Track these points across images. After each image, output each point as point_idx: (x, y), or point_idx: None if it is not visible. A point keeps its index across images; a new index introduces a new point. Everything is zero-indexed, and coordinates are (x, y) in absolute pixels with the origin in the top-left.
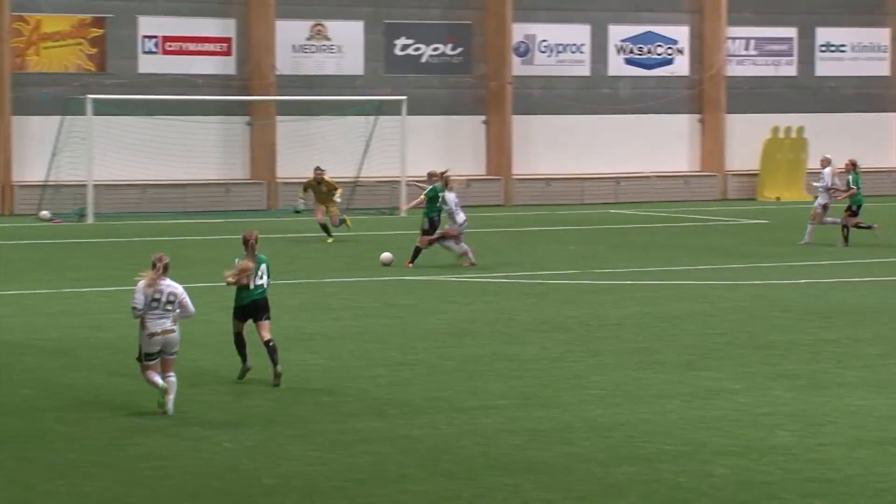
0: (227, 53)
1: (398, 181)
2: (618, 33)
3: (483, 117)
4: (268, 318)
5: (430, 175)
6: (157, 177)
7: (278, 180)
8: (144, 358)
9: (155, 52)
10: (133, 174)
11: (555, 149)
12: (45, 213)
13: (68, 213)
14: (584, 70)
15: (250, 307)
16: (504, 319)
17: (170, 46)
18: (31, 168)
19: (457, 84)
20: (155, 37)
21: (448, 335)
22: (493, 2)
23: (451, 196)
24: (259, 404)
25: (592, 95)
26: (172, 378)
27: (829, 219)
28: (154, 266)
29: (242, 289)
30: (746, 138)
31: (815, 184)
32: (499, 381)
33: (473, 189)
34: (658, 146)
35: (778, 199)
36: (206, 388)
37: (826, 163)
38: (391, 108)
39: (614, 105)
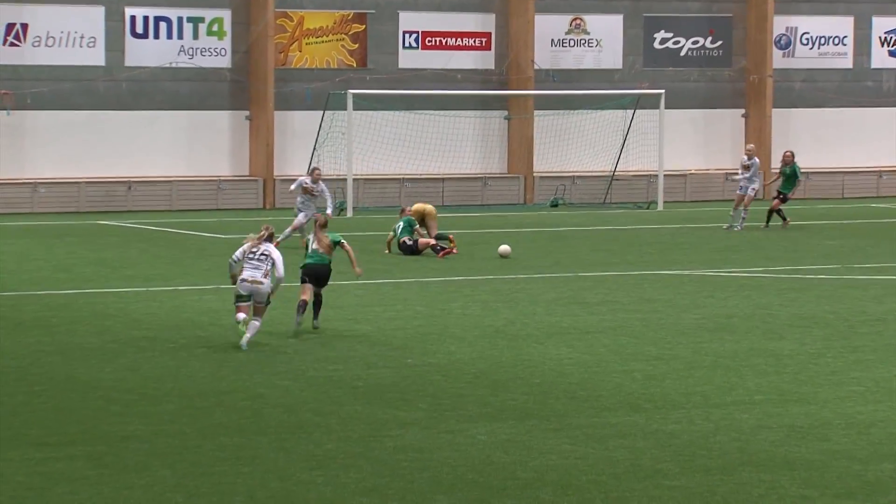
0: (487, 48)
1: (655, 175)
2: (882, 25)
3: (742, 111)
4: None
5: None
6: (416, 171)
7: (535, 174)
8: (236, 300)
9: (415, 48)
10: (392, 168)
11: (815, 142)
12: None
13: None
14: (847, 62)
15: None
16: (762, 314)
17: (430, 41)
18: (292, 162)
19: (716, 77)
20: (415, 32)
21: (705, 330)
22: None
23: None
24: (514, 398)
25: (855, 88)
26: (257, 323)
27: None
28: (260, 232)
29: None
30: None
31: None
32: (756, 377)
33: (731, 183)
34: None
35: None
36: (462, 381)
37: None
38: (649, 102)
39: (877, 98)
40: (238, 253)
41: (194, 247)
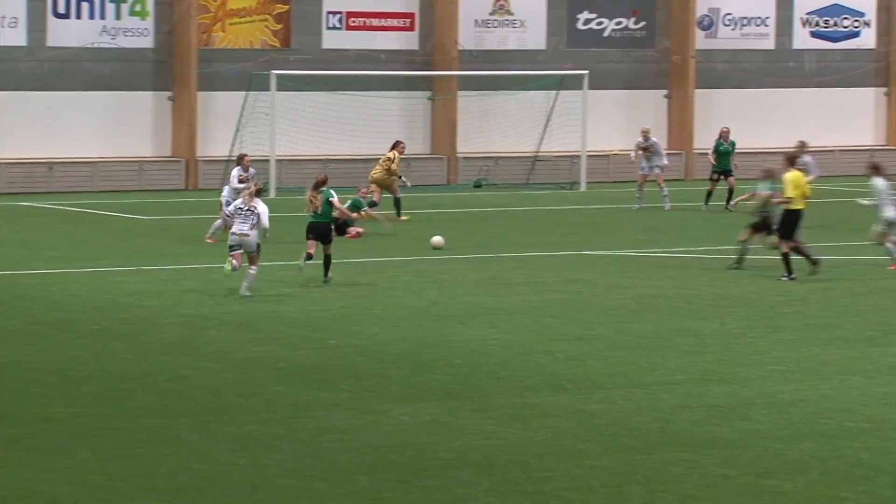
0: (411, 29)
1: (578, 156)
2: (804, 6)
3: (665, 91)
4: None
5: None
6: (339, 152)
7: (459, 155)
8: (229, 249)
9: (339, 28)
10: (315, 149)
11: (737, 123)
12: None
13: None
14: (769, 43)
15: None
16: (684, 295)
17: (354, 22)
18: (215, 143)
19: (639, 58)
20: (339, 12)
21: (627, 310)
22: None
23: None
24: (437, 379)
25: (777, 69)
26: (253, 270)
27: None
28: (251, 189)
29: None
30: None
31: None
32: (678, 357)
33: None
34: (843, 120)
35: None
36: (385, 362)
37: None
38: (573, 83)
39: (799, 79)
40: (231, 208)
41: (116, 228)
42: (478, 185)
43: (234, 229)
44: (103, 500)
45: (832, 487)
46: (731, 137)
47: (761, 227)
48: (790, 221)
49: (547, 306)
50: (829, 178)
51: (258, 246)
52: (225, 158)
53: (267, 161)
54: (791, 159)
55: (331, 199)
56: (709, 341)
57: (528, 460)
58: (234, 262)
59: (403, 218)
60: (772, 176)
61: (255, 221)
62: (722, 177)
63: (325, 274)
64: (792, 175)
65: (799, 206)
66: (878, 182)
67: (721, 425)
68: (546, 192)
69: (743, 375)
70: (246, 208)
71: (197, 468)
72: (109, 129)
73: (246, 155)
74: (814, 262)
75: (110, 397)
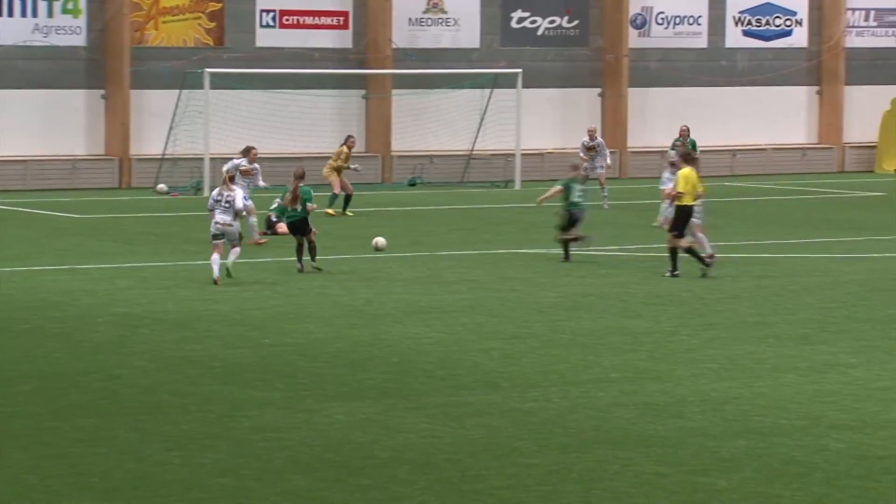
0: (345, 27)
1: (513, 154)
2: (736, 5)
3: (599, 90)
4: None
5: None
6: (274, 150)
7: (393, 153)
8: (212, 238)
9: (272, 27)
10: None
11: (671, 121)
12: (162, 187)
13: (185, 187)
14: (702, 42)
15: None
16: (618, 293)
17: (287, 20)
18: (149, 142)
19: (573, 57)
20: (272, 11)
21: (562, 308)
22: None
23: None
24: (372, 377)
25: (709, 68)
26: (237, 249)
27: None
28: (223, 178)
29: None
30: (865, 110)
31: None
32: (612, 355)
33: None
34: (775, 118)
35: None
36: (320, 361)
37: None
38: (506, 82)
39: (731, 77)
40: (210, 201)
41: (49, 227)
42: (412, 184)
43: (216, 218)
44: (37, 500)
45: (766, 485)
46: (660, 138)
47: (569, 223)
48: (681, 217)
49: (482, 305)
50: (763, 176)
51: (240, 235)
52: (159, 157)
53: (201, 160)
54: (685, 156)
55: (308, 203)
56: (643, 339)
57: (463, 459)
58: (216, 257)
59: (331, 211)
60: (575, 169)
61: (234, 210)
62: None
63: (313, 259)
64: (684, 171)
65: (689, 202)
66: None
67: (655, 423)
68: (481, 190)
69: (677, 373)
70: (225, 199)
71: (131, 467)
72: (42, 128)
73: (253, 148)
74: (706, 263)
75: (43, 396)
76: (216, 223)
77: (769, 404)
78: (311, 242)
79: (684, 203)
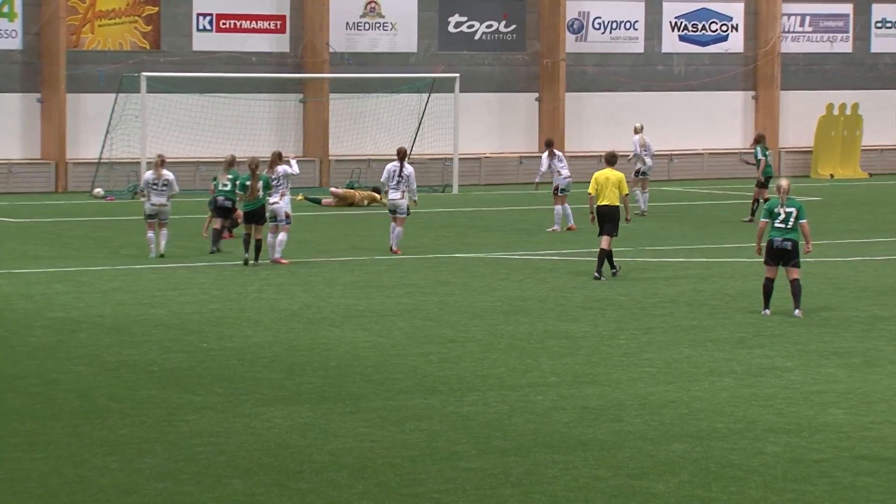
0: (281, 31)
1: (451, 159)
2: (672, 10)
3: (536, 94)
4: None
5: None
6: (211, 154)
7: (331, 157)
8: (146, 218)
9: (209, 30)
10: (186, 151)
11: (608, 126)
12: (98, 191)
13: (122, 191)
14: (638, 47)
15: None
16: (556, 297)
17: (224, 24)
18: (85, 146)
19: (510, 61)
20: (209, 14)
21: (500, 312)
22: None
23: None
24: (310, 381)
25: (646, 72)
26: (165, 231)
27: (637, 191)
28: (155, 162)
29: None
30: (801, 115)
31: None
32: (550, 359)
33: (524, 165)
34: (712, 123)
35: (832, 176)
36: (258, 365)
37: (637, 130)
38: (444, 86)
39: (668, 82)
40: (142, 182)
41: None
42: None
43: (152, 200)
44: None
45: (703, 488)
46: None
47: (223, 215)
48: (600, 218)
49: (420, 309)
50: (699, 181)
51: (168, 214)
52: (95, 161)
53: (138, 163)
54: (610, 158)
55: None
56: (581, 343)
57: (401, 462)
58: (151, 236)
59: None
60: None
61: (170, 193)
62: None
63: (256, 258)
64: (599, 173)
65: (604, 202)
66: None
67: (593, 427)
68: (419, 194)
69: (614, 377)
70: (161, 182)
71: (68, 472)
72: None
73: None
74: (613, 266)
75: None
76: (151, 204)
77: (706, 408)
78: (259, 238)
79: (601, 204)
